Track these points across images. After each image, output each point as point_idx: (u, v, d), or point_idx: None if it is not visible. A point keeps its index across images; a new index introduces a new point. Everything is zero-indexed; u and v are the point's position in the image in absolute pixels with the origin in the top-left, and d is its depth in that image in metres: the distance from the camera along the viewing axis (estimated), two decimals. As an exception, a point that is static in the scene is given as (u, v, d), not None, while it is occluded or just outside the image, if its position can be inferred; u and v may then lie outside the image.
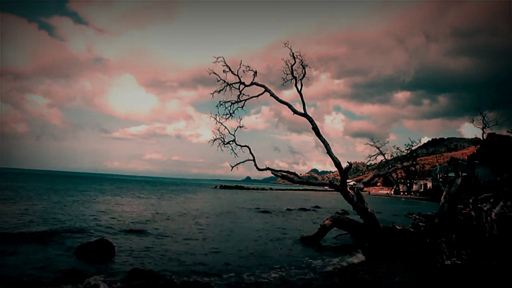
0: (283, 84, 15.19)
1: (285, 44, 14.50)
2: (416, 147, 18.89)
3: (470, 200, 14.46)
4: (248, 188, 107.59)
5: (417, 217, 15.90)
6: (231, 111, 15.29)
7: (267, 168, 15.77)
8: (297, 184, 18.84)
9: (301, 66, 14.68)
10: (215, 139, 15.43)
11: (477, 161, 36.04)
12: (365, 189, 16.33)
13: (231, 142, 15.48)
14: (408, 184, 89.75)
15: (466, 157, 68.14)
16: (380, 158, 16.32)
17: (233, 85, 15.08)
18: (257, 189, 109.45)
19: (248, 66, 14.85)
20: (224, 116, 15.28)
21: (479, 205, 13.43)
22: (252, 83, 15.05)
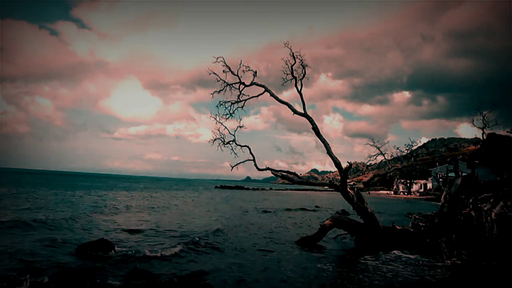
0: (283, 84, 15.20)
1: (285, 44, 14.52)
2: (416, 147, 18.93)
3: (470, 200, 14.45)
4: (248, 188, 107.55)
5: (417, 217, 15.89)
6: (231, 111, 15.30)
7: (267, 168, 15.77)
8: (297, 184, 18.81)
9: (301, 66, 14.70)
10: (215, 139, 15.44)
11: (477, 161, 35.97)
12: (364, 189, 16.32)
13: (231, 142, 15.49)
14: (408, 184, 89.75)
15: (466, 157, 68.10)
16: (380, 158, 16.32)
17: (233, 85, 15.08)
18: (257, 189, 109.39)
19: (248, 66, 14.85)
20: (224, 116, 15.29)
21: (479, 205, 13.44)
22: (252, 83, 15.05)
